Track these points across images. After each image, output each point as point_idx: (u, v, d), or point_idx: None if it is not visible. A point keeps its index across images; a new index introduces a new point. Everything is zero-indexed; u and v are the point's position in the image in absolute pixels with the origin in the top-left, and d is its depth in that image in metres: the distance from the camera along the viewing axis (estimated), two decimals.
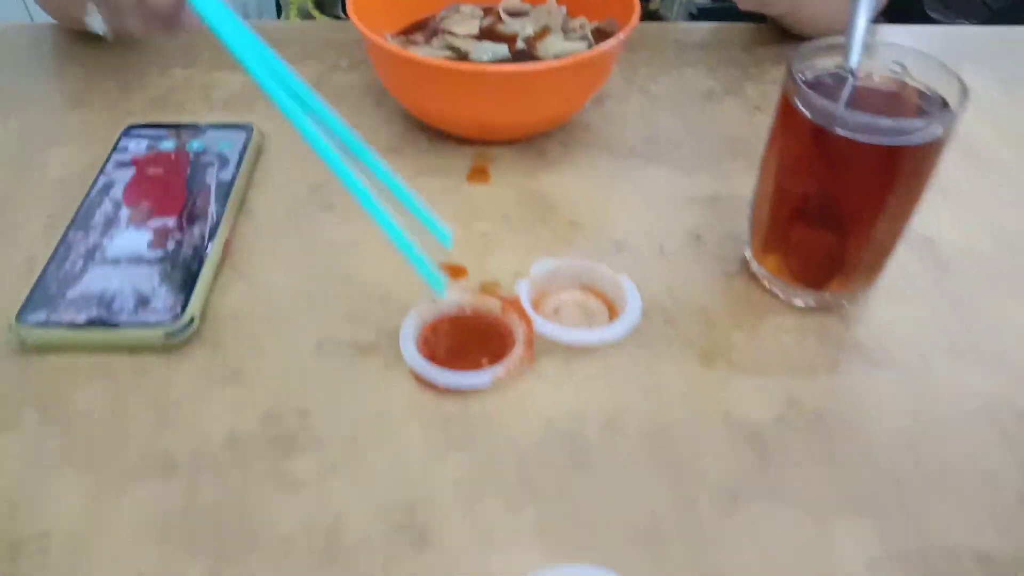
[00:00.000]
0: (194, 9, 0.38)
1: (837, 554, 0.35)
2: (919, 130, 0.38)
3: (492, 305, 0.44)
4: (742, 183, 0.47)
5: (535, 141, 0.56)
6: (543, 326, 0.43)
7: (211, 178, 0.50)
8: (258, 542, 0.35)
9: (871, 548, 0.35)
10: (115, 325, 0.41)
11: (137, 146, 0.52)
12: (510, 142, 0.55)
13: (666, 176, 0.54)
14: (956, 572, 0.35)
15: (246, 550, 0.35)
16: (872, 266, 0.44)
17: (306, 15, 0.77)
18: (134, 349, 0.42)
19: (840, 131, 0.38)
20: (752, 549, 0.35)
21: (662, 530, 0.36)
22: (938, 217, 0.50)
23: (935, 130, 0.38)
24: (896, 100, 0.41)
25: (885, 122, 0.38)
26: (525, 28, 0.57)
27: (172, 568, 0.34)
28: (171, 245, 0.46)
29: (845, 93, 0.41)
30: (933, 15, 1.37)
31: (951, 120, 0.38)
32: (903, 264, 0.47)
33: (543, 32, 0.57)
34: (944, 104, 0.40)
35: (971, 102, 0.38)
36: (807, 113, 0.39)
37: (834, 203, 0.42)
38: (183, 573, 0.34)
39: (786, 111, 0.41)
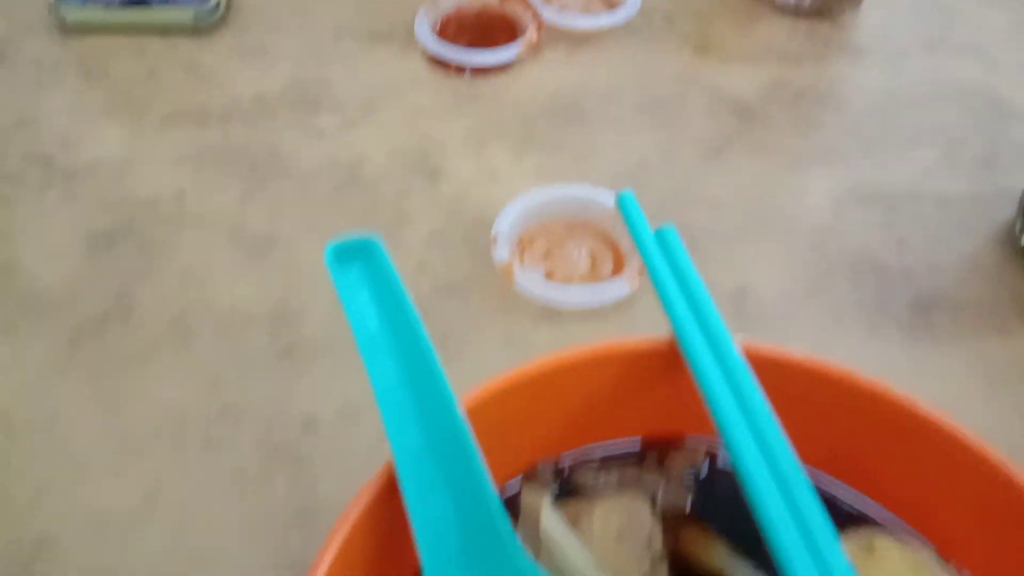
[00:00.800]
0: None
1: (807, 192, 0.39)
2: None
3: (499, 1, 0.46)
4: None
5: None
6: (548, 13, 0.45)
7: None
8: (287, 173, 0.39)
9: (839, 190, 0.39)
10: (147, 4, 0.44)
11: None
12: None
13: None
14: (918, 207, 0.38)
15: (276, 179, 0.39)
16: None
17: None
18: (166, 31, 0.45)
19: None
20: (729, 185, 0.39)
21: (649, 167, 0.39)
22: None
23: None
24: None
25: None
26: None
27: (209, 188, 0.38)
28: None
29: None
30: None
31: None
32: None
33: None
34: None
35: None
36: None
37: None
38: (219, 193, 0.38)
39: None
